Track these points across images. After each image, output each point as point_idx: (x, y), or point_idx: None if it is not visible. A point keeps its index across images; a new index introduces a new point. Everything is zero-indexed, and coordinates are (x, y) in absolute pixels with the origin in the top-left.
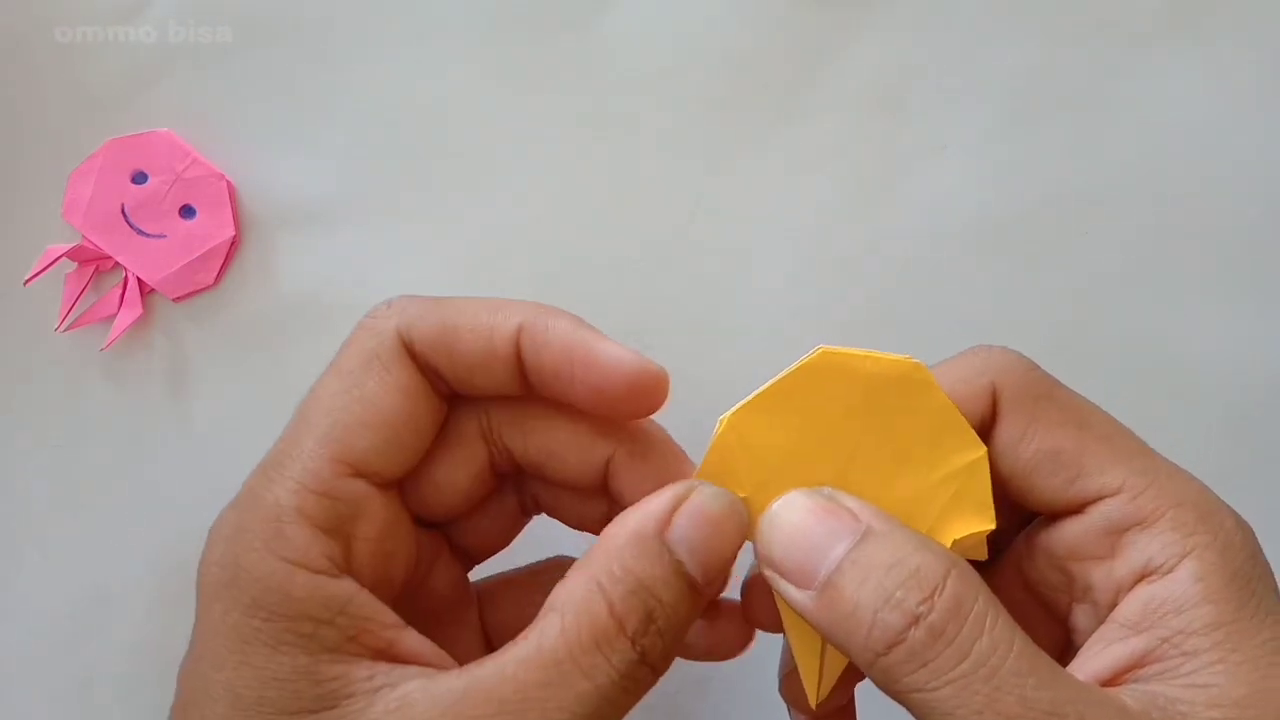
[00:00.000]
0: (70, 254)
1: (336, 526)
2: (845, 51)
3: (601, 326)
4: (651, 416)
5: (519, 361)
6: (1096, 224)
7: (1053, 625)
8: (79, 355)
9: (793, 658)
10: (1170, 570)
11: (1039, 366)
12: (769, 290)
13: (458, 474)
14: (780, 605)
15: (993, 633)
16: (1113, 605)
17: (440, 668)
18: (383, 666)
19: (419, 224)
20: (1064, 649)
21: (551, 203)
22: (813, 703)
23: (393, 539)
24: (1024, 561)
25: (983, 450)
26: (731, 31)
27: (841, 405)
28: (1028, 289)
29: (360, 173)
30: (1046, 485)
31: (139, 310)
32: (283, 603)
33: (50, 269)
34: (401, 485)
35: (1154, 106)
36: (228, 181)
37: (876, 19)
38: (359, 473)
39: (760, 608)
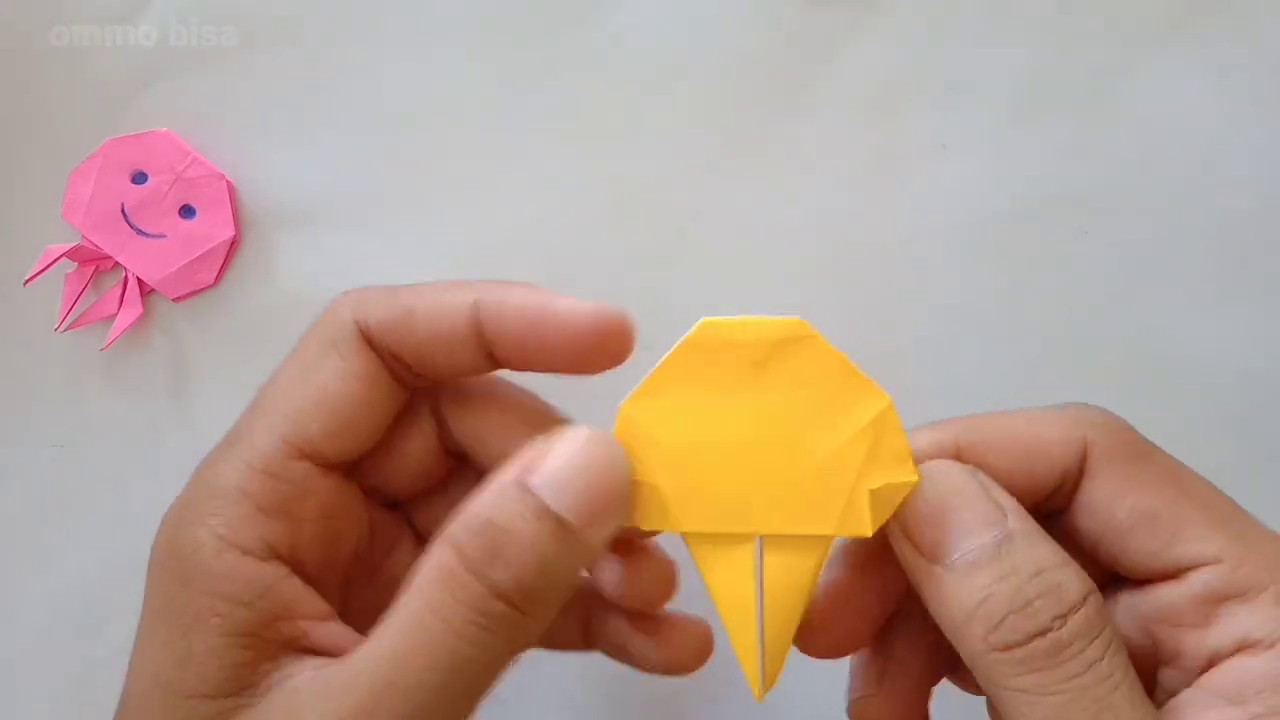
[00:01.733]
0: (70, 254)
1: (280, 507)
2: (845, 51)
3: None
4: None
5: (479, 337)
6: (1096, 224)
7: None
8: (79, 355)
9: (862, 683)
10: (1272, 645)
11: (1133, 428)
12: (769, 290)
13: (410, 453)
14: (725, 588)
15: (1113, 659)
16: (1202, 671)
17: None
18: (290, 657)
19: (419, 224)
20: None
21: (552, 203)
22: (759, 696)
23: (340, 520)
24: None
25: (888, 400)
26: (731, 31)
27: (735, 375)
28: (1028, 289)
29: (360, 173)
30: (1141, 548)
31: (139, 310)
32: (205, 579)
33: (50, 269)
34: (357, 466)
35: (1154, 106)
36: (228, 181)
37: (876, 19)
38: (307, 455)
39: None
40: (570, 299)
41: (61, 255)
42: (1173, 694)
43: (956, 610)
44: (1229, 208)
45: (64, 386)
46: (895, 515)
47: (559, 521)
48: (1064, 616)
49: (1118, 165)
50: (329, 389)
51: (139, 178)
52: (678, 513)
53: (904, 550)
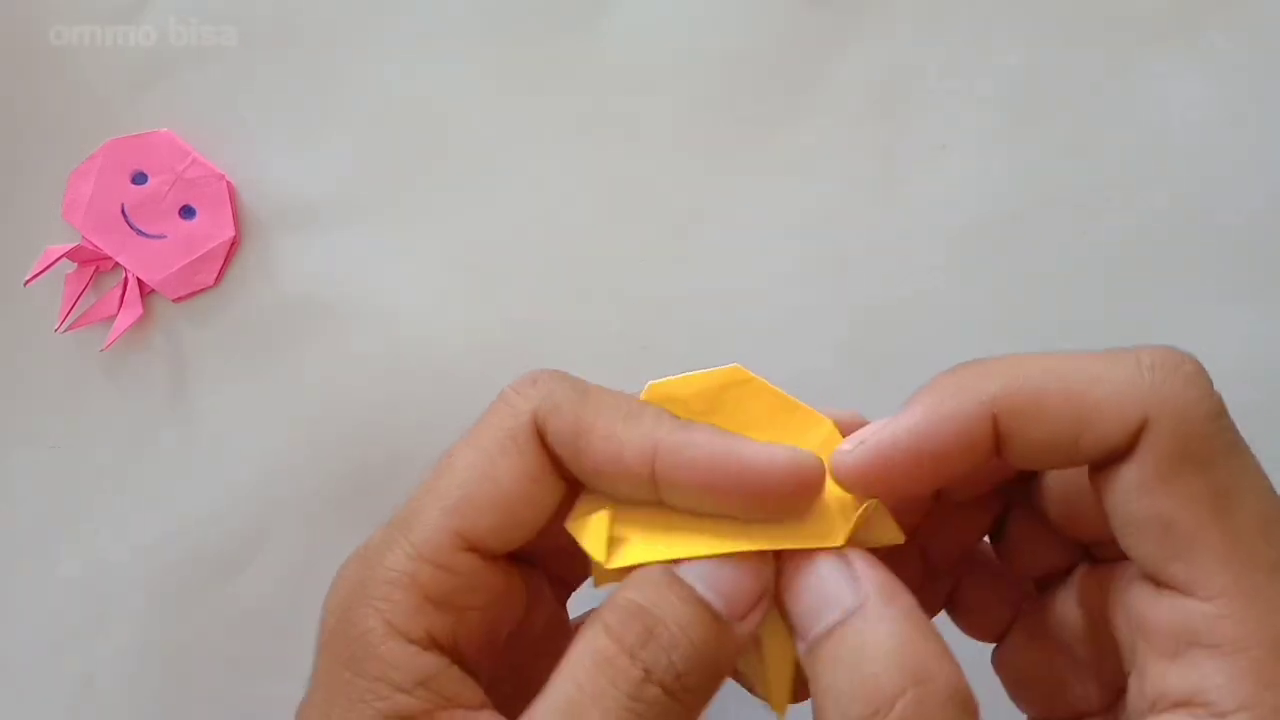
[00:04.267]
0: (70, 254)
1: (446, 598)
2: (845, 51)
3: (603, 327)
4: None
5: (651, 481)
6: (1096, 224)
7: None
8: (79, 355)
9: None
10: (1217, 714)
11: (1212, 401)
12: (769, 290)
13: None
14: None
15: None
16: (1154, 702)
17: None
18: None
19: (419, 224)
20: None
21: (552, 203)
22: (781, 713)
23: (501, 607)
24: (1090, 591)
25: (829, 423)
26: (731, 31)
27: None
28: (1028, 289)
29: (360, 173)
30: (1140, 548)
31: (139, 310)
32: (371, 662)
33: (50, 269)
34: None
35: (1154, 106)
36: (228, 181)
37: (876, 19)
38: (476, 548)
39: None
40: (758, 447)
41: (61, 255)
42: (1132, 701)
43: (811, 684)
44: (1229, 207)
45: (64, 386)
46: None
47: (707, 607)
48: (871, 717)
49: (1118, 165)
50: (504, 486)
51: (139, 178)
52: (678, 542)
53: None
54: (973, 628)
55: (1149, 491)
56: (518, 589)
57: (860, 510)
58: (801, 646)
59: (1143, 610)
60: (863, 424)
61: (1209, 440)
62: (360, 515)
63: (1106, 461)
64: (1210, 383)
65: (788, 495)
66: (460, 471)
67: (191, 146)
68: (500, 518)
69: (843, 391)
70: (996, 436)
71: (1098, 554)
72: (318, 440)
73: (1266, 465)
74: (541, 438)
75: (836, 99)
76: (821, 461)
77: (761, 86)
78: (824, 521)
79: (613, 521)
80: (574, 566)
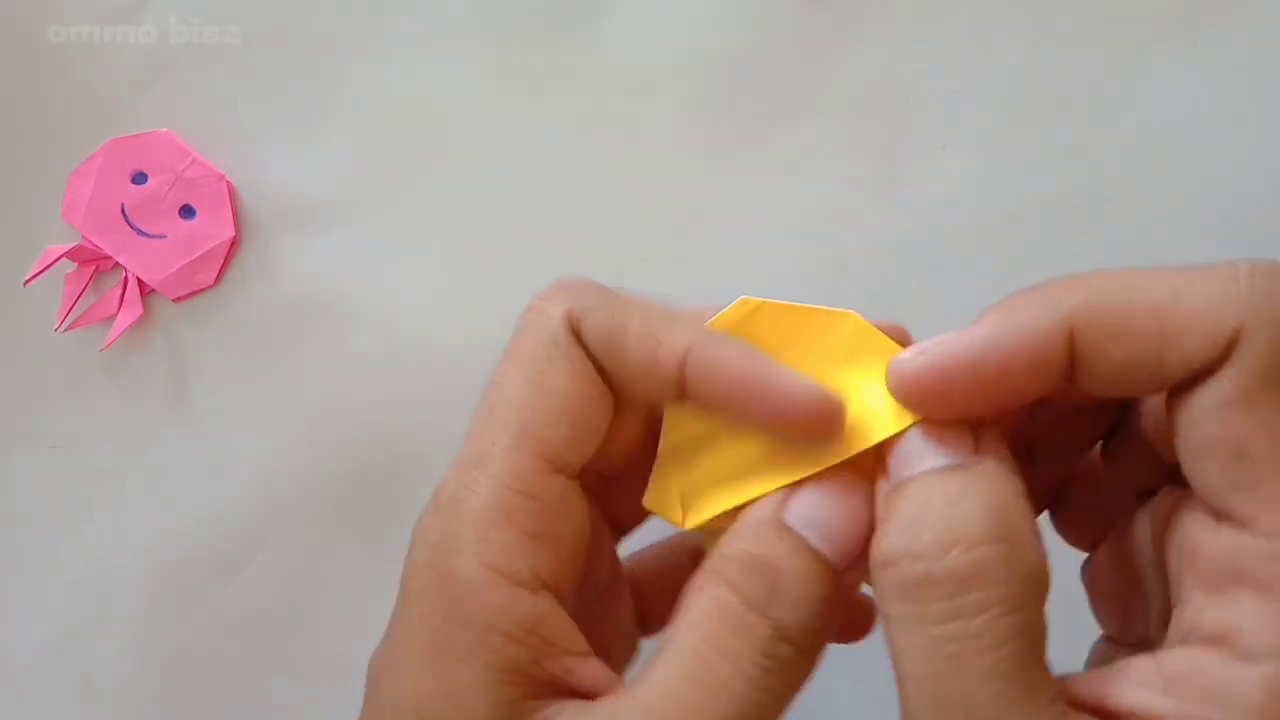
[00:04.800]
0: (70, 254)
1: (545, 530)
2: (845, 51)
3: None
4: None
5: (681, 384)
6: (1096, 224)
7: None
8: (79, 355)
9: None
10: (1248, 656)
11: None
12: (769, 290)
13: (624, 430)
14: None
15: (998, 623)
16: (1186, 634)
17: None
18: (553, 701)
19: (419, 224)
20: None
21: (551, 203)
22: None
23: (586, 538)
24: (1160, 515)
25: (853, 315)
26: (731, 31)
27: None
28: None
29: (360, 173)
30: (1204, 474)
31: (139, 310)
32: (481, 612)
33: (50, 269)
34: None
35: (1154, 106)
36: (228, 181)
37: (876, 19)
38: (558, 468)
39: None
40: (791, 376)
41: (61, 255)
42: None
43: (883, 513)
44: (1229, 207)
45: (64, 386)
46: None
47: (822, 560)
48: (946, 546)
49: (1118, 165)
50: (564, 393)
51: (139, 178)
52: (750, 481)
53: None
54: (1069, 532)
55: (1227, 412)
56: (594, 520)
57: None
58: (891, 480)
59: (1195, 540)
60: (902, 334)
61: None
62: (360, 515)
63: (1188, 384)
64: None
65: (808, 425)
66: (515, 392)
67: (191, 146)
68: (570, 429)
69: None
70: (1071, 356)
71: (1181, 478)
72: (318, 440)
73: None
74: (579, 340)
75: (836, 99)
76: (842, 402)
77: (761, 86)
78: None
79: (679, 482)
80: (627, 501)
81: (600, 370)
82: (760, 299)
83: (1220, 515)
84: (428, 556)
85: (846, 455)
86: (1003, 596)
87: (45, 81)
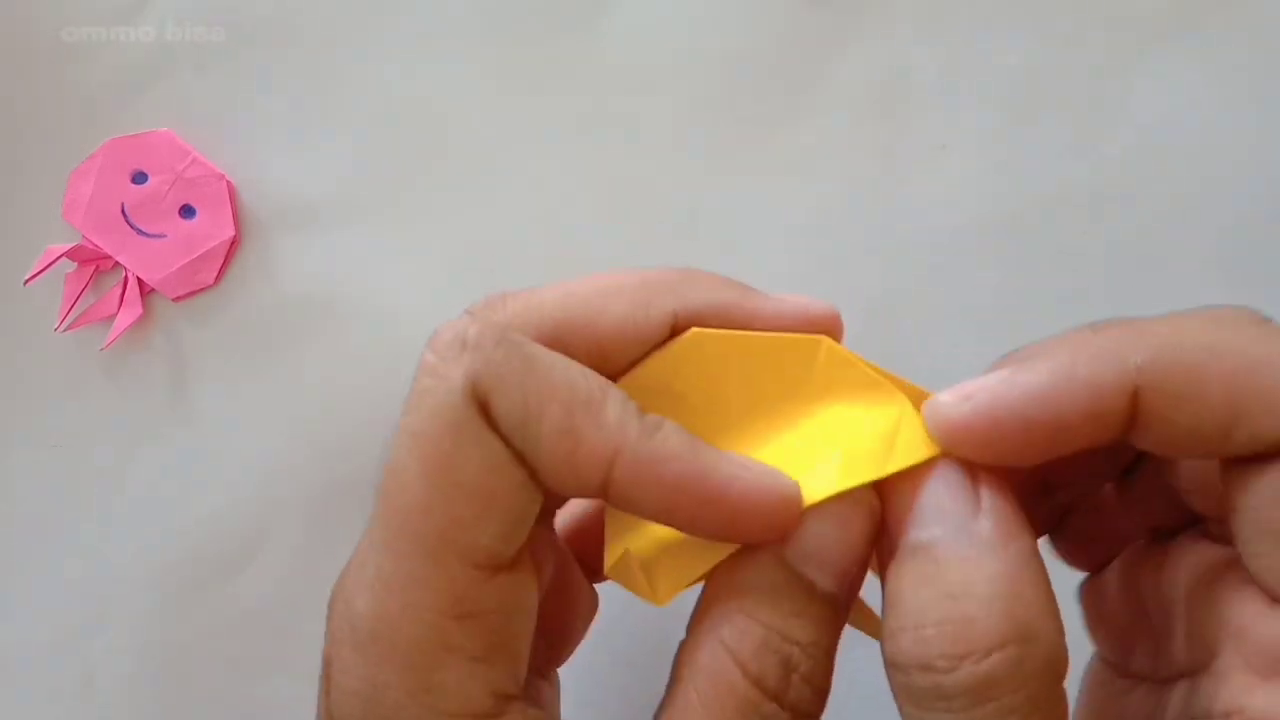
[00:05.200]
0: (70, 254)
1: (494, 642)
2: (845, 51)
3: None
4: None
5: (608, 486)
6: (1096, 224)
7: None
8: (79, 355)
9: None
10: None
11: None
12: (769, 290)
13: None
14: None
15: None
16: (1227, 713)
17: None
18: None
19: (419, 224)
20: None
21: (551, 202)
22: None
23: (545, 602)
24: (1184, 566)
25: (820, 339)
26: (731, 31)
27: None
28: (1028, 289)
29: (360, 173)
30: (1267, 559)
31: (139, 310)
32: None
33: (50, 269)
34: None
35: (1154, 106)
36: (228, 181)
37: (876, 19)
38: (494, 569)
39: None
40: (737, 470)
41: (61, 255)
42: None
43: (886, 592)
44: (1229, 207)
45: (64, 386)
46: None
47: (831, 601)
48: (956, 659)
49: (1118, 165)
50: (479, 486)
51: (139, 178)
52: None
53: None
54: (1069, 557)
55: None
56: (559, 564)
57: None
58: (889, 547)
59: (1245, 618)
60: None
61: None
62: (360, 515)
63: (1252, 458)
64: None
65: (762, 531)
66: (421, 489)
67: (191, 146)
68: (498, 525)
69: None
70: (1133, 414)
71: (1210, 530)
72: (318, 440)
73: None
74: (486, 419)
75: (836, 99)
76: (799, 493)
77: (761, 86)
78: (876, 441)
79: (636, 544)
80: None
81: (517, 454)
82: (713, 330)
83: (1276, 599)
84: (358, 713)
85: (830, 493)
86: (1021, 701)
87: (45, 81)
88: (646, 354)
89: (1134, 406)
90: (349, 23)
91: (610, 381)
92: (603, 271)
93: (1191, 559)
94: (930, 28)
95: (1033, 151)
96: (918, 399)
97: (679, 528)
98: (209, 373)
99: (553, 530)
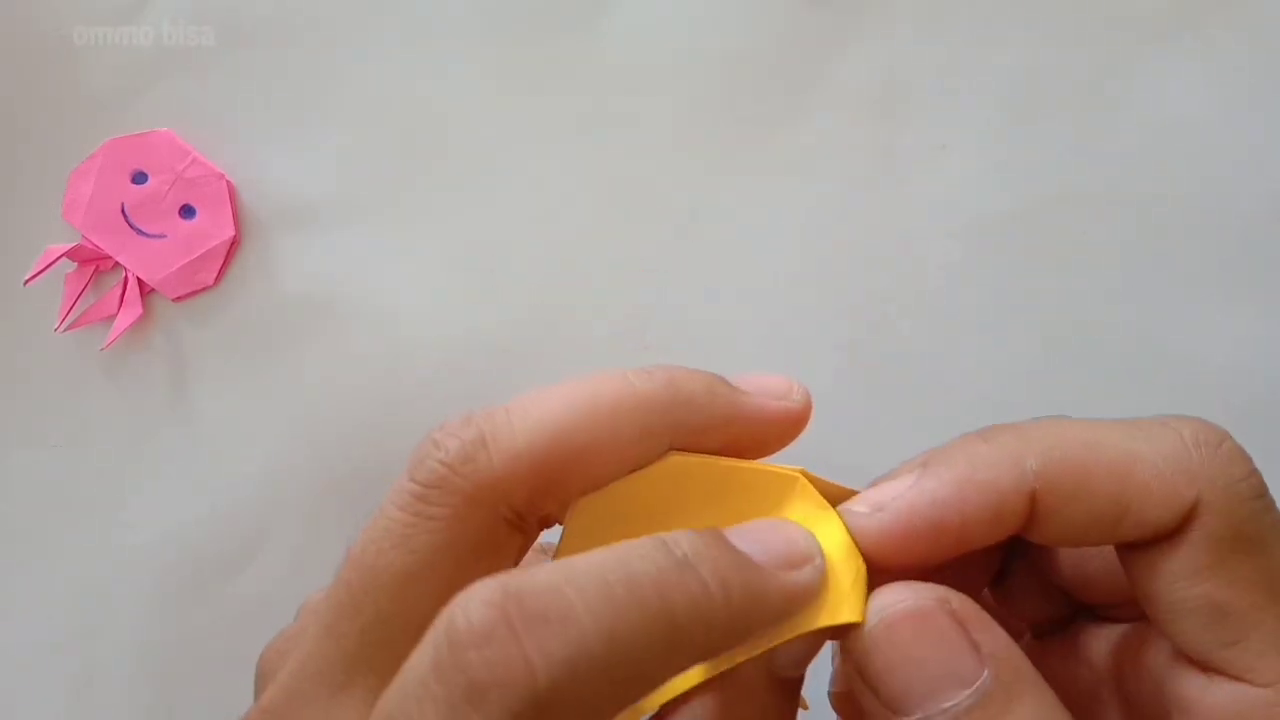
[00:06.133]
0: (70, 254)
1: None
2: (845, 51)
3: (602, 327)
4: None
5: None
6: (1097, 224)
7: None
8: (79, 355)
9: (844, 676)
10: None
11: (1256, 479)
12: (769, 290)
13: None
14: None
15: None
16: None
17: None
18: None
19: (419, 224)
20: None
21: (551, 202)
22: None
23: None
24: (1097, 651)
25: (795, 474)
26: (731, 31)
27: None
28: (1028, 289)
29: (360, 173)
30: (1193, 637)
31: (139, 310)
32: None
33: (50, 269)
34: None
35: (1154, 106)
36: (228, 181)
37: (876, 19)
38: None
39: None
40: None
41: (61, 255)
42: None
43: None
44: (1229, 207)
45: (64, 386)
46: (850, 653)
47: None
48: None
49: (1118, 165)
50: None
51: (139, 178)
52: None
53: (862, 693)
54: (1009, 615)
55: (1201, 576)
56: None
57: (861, 576)
58: (905, 712)
59: (1188, 694)
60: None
61: (1258, 520)
62: (360, 515)
63: (1144, 542)
64: (1249, 459)
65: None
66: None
67: (191, 146)
68: None
69: (843, 392)
70: (1030, 512)
71: (1106, 614)
72: (318, 440)
73: (1267, 464)
74: (512, 521)
75: (836, 99)
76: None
77: (761, 86)
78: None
79: None
80: None
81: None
82: (692, 457)
83: (1210, 669)
84: None
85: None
86: None
87: (45, 81)
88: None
89: (1031, 505)
90: (349, 23)
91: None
92: (586, 381)
93: (1101, 644)
94: (930, 28)
95: (1033, 151)
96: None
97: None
98: (209, 373)
99: None
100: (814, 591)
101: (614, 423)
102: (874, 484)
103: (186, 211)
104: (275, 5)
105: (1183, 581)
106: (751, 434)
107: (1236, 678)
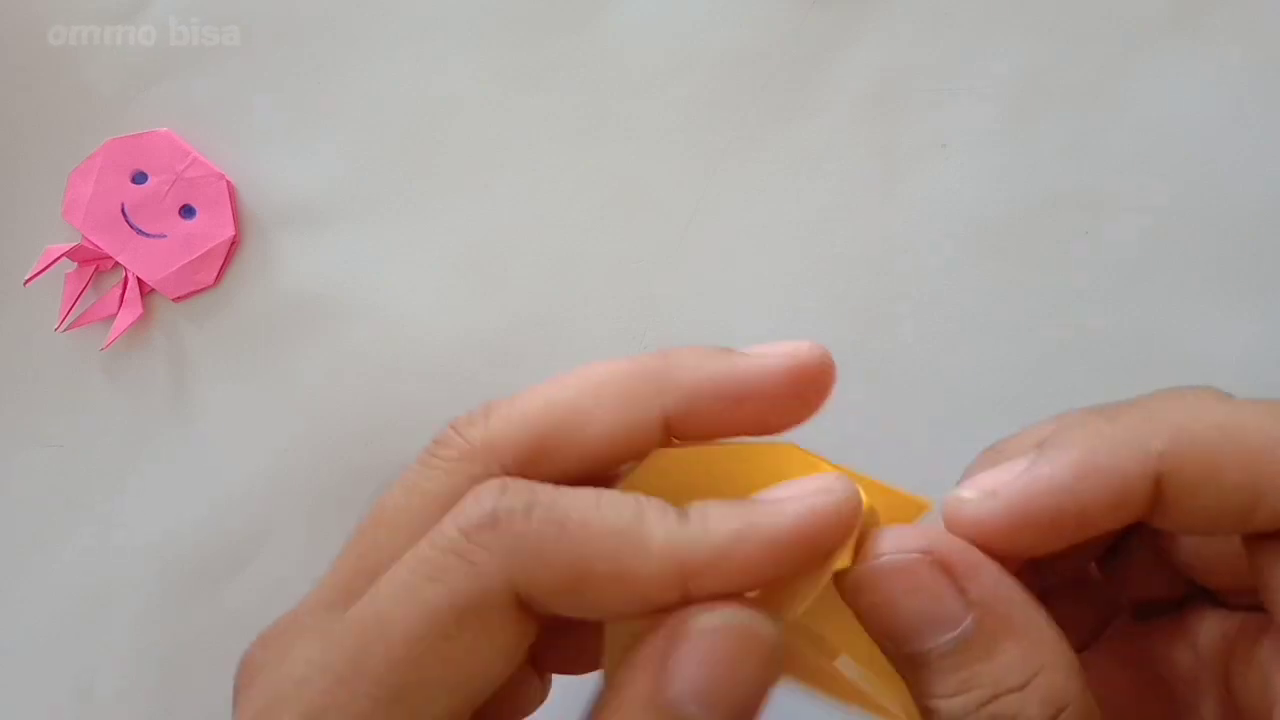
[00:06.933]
0: (70, 254)
1: None
2: (845, 51)
3: (602, 327)
4: None
5: (685, 598)
6: (1097, 224)
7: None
8: (79, 355)
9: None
10: None
11: None
12: (769, 290)
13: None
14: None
15: None
16: None
17: None
18: None
19: (419, 224)
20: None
21: (551, 202)
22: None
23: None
24: (1212, 637)
25: (785, 444)
26: (731, 31)
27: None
28: (1028, 289)
29: (360, 173)
30: None
31: (139, 310)
32: None
33: (50, 269)
34: None
35: (1154, 106)
36: (228, 181)
37: (876, 19)
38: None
39: None
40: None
41: (61, 255)
42: None
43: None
44: (1229, 208)
45: (64, 386)
46: (843, 593)
47: None
48: None
49: (1118, 165)
50: (465, 668)
51: (139, 178)
52: None
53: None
54: None
55: None
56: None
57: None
58: (896, 649)
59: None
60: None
61: None
62: (360, 515)
63: (1275, 534)
64: None
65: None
66: (399, 647)
67: (191, 146)
68: (461, 700)
69: (842, 392)
70: (1155, 498)
71: (1223, 600)
72: (318, 440)
73: None
74: (520, 603)
75: (836, 99)
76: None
77: (761, 86)
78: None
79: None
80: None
81: (545, 611)
82: (677, 449)
83: None
84: None
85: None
86: None
87: (45, 81)
88: (635, 460)
89: (1156, 491)
90: (349, 23)
91: (636, 495)
92: (586, 367)
93: (1213, 630)
94: (930, 28)
95: (1033, 151)
96: (880, 494)
97: (765, 585)
98: (209, 373)
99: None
100: (837, 510)
101: (599, 390)
102: (980, 461)
103: (186, 211)
104: (276, 5)
105: None
106: (756, 396)
107: None
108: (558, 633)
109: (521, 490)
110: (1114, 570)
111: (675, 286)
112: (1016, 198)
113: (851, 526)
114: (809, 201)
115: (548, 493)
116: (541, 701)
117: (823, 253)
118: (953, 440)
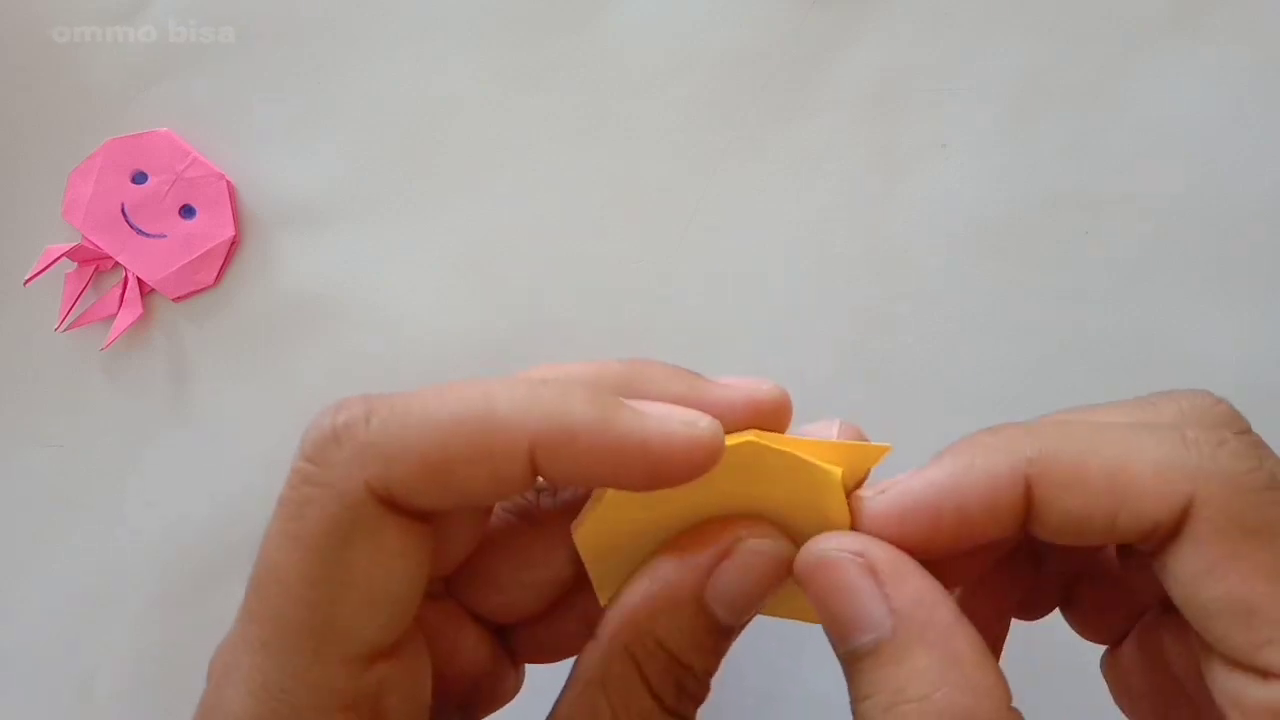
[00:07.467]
0: (70, 254)
1: None
2: (845, 51)
3: (603, 327)
4: None
5: (531, 470)
6: (1097, 224)
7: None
8: (79, 355)
9: None
10: None
11: (1263, 472)
12: (769, 290)
13: (525, 577)
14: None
15: None
16: None
17: None
18: None
19: (419, 224)
20: None
21: (551, 203)
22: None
23: (428, 678)
24: (1166, 647)
25: (749, 436)
26: (731, 31)
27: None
28: (1028, 289)
29: (360, 173)
30: (1225, 639)
31: (139, 310)
32: None
33: (50, 269)
34: (461, 589)
35: (1154, 106)
36: (228, 181)
37: (876, 19)
38: (374, 657)
39: None
40: (664, 416)
41: (61, 255)
42: None
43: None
44: (1229, 208)
45: (64, 386)
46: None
47: (725, 631)
48: None
49: (1118, 165)
50: (370, 582)
51: (139, 178)
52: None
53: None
54: (1084, 629)
55: (1217, 573)
56: (452, 639)
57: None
58: (834, 644)
59: (1237, 690)
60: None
61: (1262, 507)
62: None
63: (1145, 541)
64: (1261, 450)
65: (682, 469)
66: (300, 588)
67: (191, 146)
68: (384, 614)
69: (842, 392)
70: (1027, 505)
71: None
72: None
73: None
74: (390, 504)
75: (836, 99)
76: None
77: (761, 86)
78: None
79: (595, 553)
80: (541, 643)
81: (417, 505)
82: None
83: (1251, 669)
84: None
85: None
86: None
87: (45, 81)
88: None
89: (1028, 497)
90: (349, 23)
91: (488, 381)
92: (471, 385)
93: (1179, 648)
94: (930, 28)
95: (1033, 151)
96: (844, 452)
97: (610, 485)
98: (209, 373)
99: (458, 605)
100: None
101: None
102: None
103: (186, 211)
104: (276, 5)
105: (1201, 580)
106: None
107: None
108: (531, 623)
109: (356, 403)
110: (1132, 565)
111: (675, 286)
112: (1016, 198)
113: (700, 464)
114: (809, 201)
115: (385, 398)
116: (516, 691)
117: (823, 253)
118: (952, 440)
